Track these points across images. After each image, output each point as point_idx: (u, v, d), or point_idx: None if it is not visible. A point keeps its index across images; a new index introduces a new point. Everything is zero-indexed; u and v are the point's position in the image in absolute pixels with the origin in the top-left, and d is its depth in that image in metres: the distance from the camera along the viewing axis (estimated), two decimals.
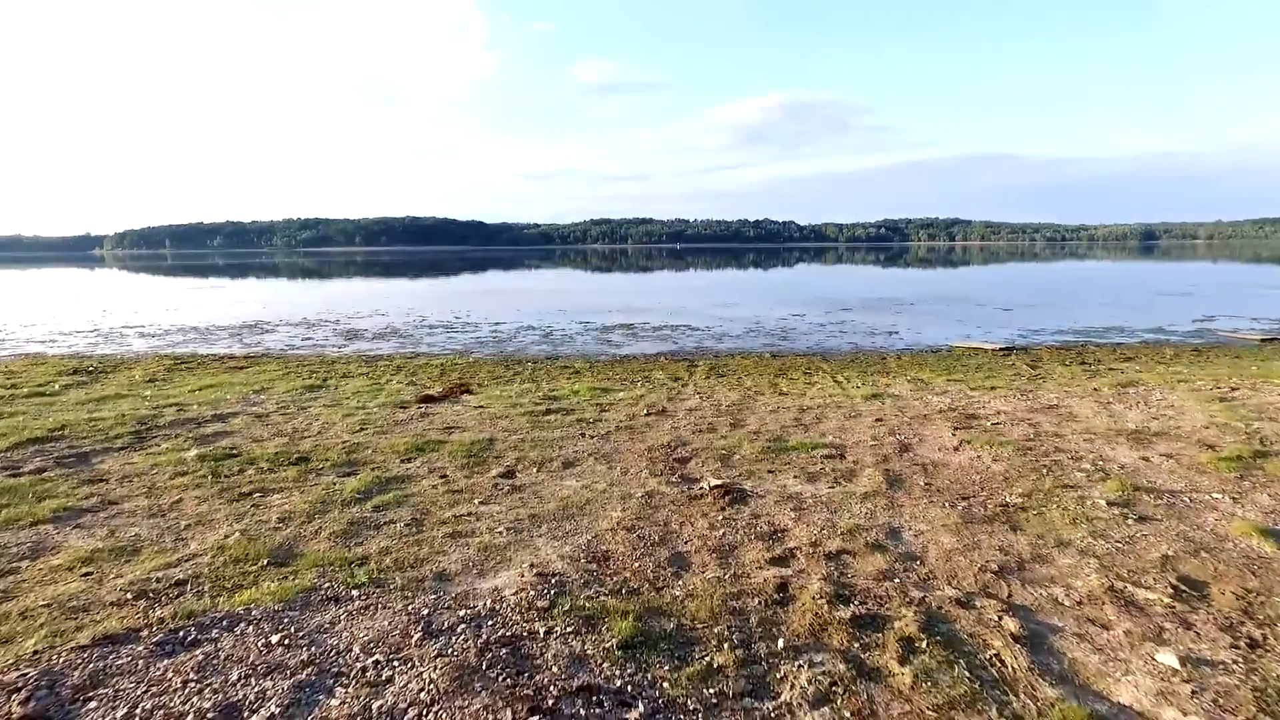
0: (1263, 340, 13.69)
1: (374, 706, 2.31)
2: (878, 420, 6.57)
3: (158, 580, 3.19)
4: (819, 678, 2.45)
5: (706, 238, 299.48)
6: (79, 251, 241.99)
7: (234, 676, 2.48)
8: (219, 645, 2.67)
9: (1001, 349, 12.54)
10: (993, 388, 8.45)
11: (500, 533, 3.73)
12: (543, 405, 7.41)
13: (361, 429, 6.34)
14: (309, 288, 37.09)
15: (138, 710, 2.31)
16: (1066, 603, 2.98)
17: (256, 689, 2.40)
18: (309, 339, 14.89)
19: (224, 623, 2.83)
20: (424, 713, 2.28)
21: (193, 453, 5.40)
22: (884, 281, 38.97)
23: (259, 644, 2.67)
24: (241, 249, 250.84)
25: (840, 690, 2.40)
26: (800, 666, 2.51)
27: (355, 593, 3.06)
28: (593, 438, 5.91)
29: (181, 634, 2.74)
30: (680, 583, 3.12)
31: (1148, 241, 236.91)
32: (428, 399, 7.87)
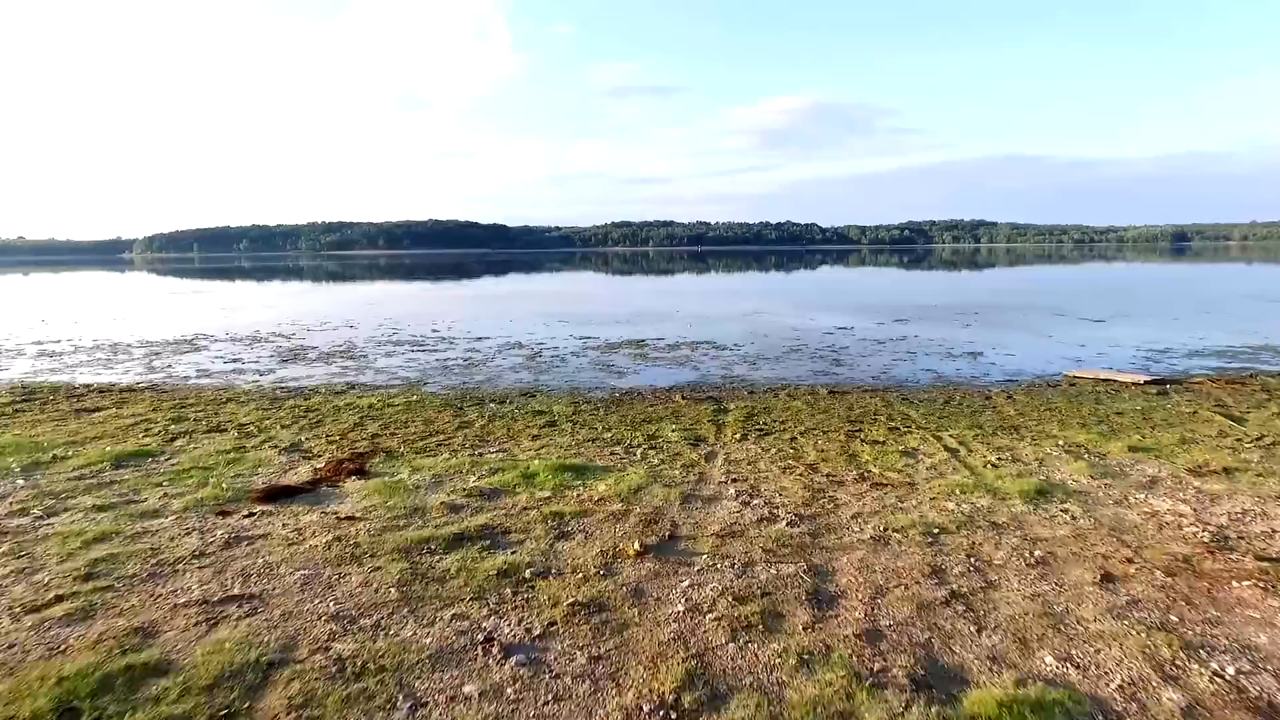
0: None
1: None
2: (1102, 579, 3.22)
3: None
4: None
5: (727, 240, 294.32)
6: (110, 255, 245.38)
7: None
8: None
9: (1152, 382, 9.01)
10: (1227, 470, 5.02)
11: None
12: (459, 515, 4.17)
13: (63, 599, 3.14)
14: (301, 291, 34.33)
15: None
16: None
17: None
18: (236, 360, 11.83)
19: None
20: None
21: None
22: (924, 284, 35.20)
23: None
24: (267, 252, 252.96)
25: None
26: None
27: None
28: (501, 662, 2.63)
29: None
30: None
31: (1179, 243, 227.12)
32: (274, 494, 4.67)
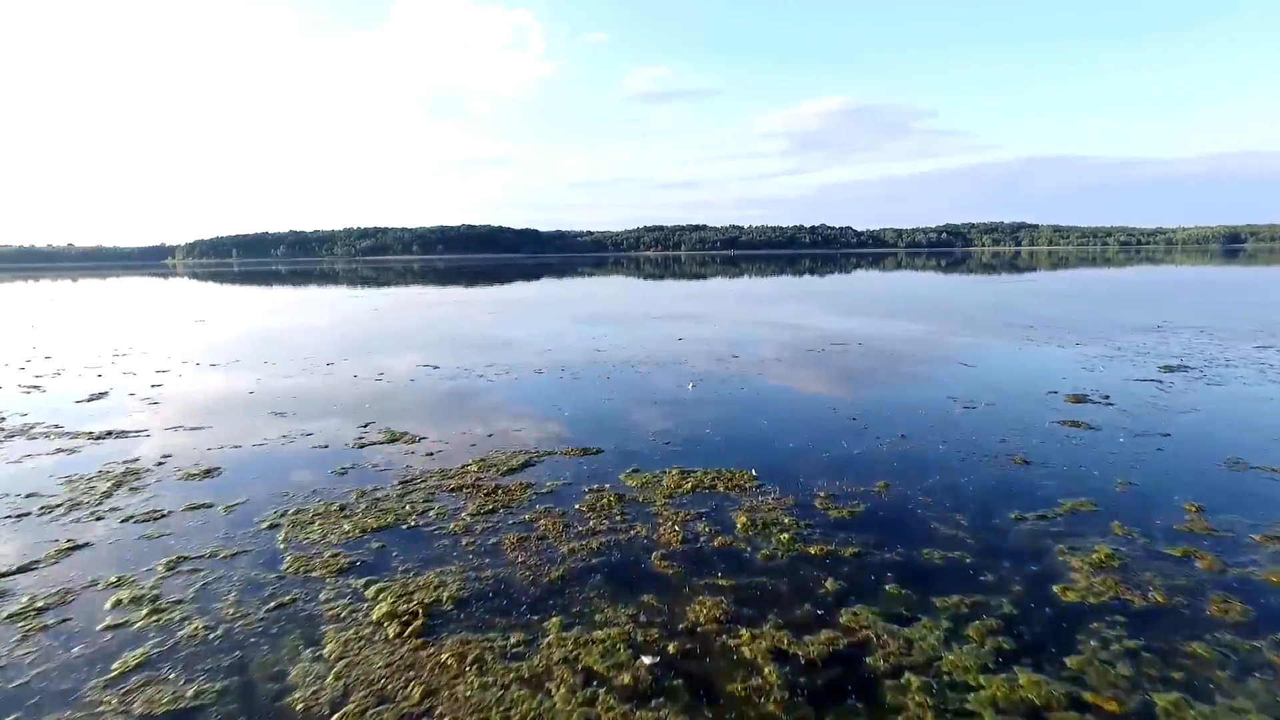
0: None
1: None
2: None
3: None
4: None
5: (761, 244, 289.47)
6: (153, 261, 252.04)
7: None
8: None
9: None
10: None
11: None
12: None
13: None
14: (242, 297, 32.37)
15: None
16: None
17: None
18: None
19: None
20: None
21: None
22: (1018, 292, 30.72)
23: None
24: (304, 257, 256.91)
25: None
26: None
27: None
28: None
29: None
30: None
31: (1231, 245, 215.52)
32: None
